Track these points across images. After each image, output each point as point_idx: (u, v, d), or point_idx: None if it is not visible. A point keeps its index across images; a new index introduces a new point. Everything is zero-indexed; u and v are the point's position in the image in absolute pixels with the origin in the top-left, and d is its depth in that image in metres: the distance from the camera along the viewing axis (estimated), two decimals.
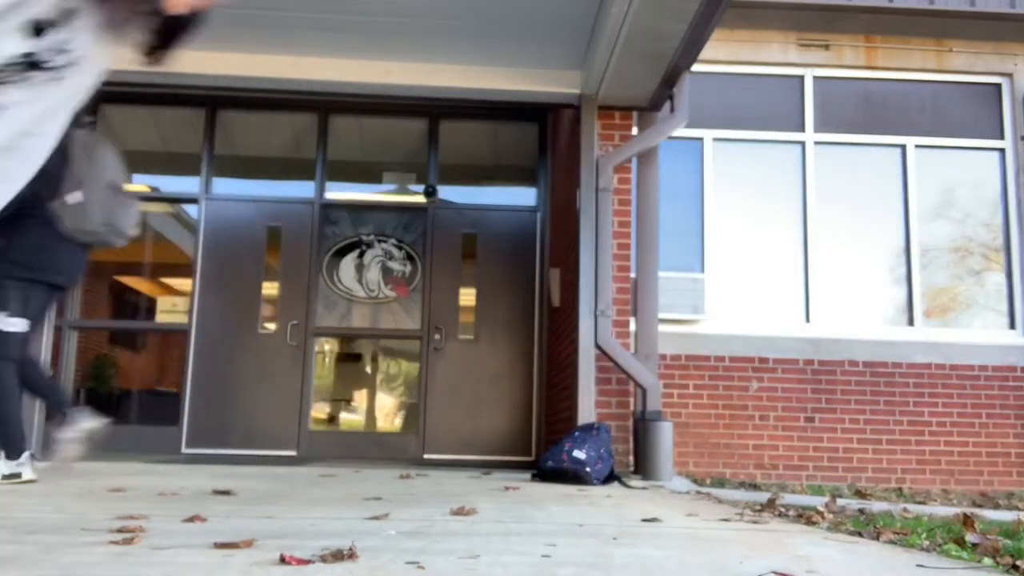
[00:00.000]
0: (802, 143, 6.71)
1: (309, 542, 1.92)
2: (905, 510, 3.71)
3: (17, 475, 3.50)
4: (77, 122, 2.84)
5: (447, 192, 7.13)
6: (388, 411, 7.43)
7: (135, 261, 7.52)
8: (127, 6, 1.93)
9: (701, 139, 6.62)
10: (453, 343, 6.84)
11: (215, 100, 6.89)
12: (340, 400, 7.34)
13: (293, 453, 6.57)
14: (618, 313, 5.41)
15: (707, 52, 5.11)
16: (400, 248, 7.04)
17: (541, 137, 7.17)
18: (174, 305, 7.12)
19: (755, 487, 5.41)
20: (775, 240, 6.59)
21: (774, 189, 6.65)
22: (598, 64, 5.14)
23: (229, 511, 2.62)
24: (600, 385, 5.28)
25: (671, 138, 5.74)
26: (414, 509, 2.82)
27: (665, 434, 5.02)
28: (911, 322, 6.55)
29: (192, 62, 5.58)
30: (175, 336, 7.04)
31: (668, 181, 6.22)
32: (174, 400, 6.69)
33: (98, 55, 1.92)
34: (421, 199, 7.09)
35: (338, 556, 1.70)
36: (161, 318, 7.17)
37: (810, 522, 2.94)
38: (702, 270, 6.46)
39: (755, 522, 2.74)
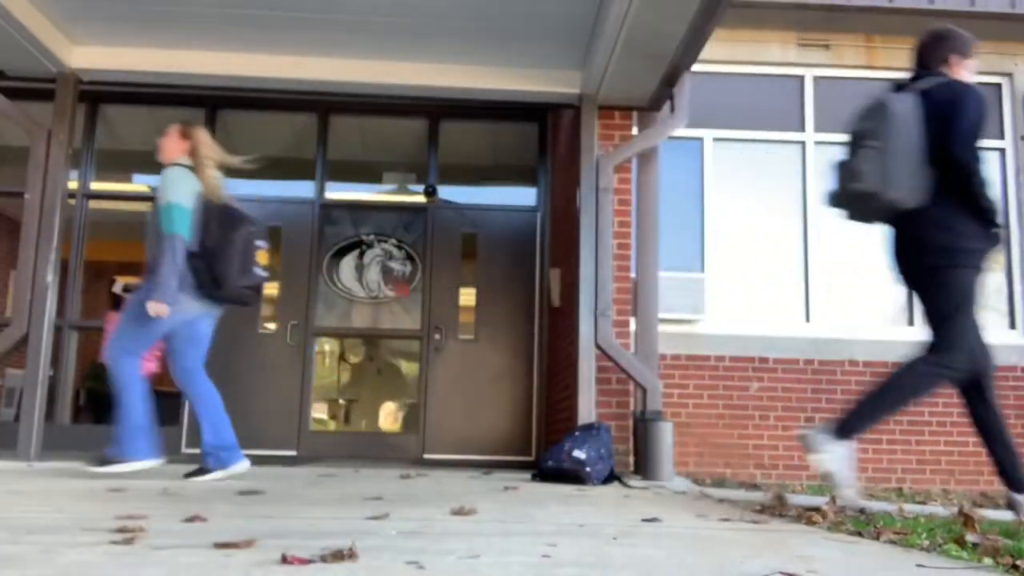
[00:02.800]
0: (802, 143, 6.71)
1: (309, 542, 1.92)
2: (902, 509, 3.71)
3: None
4: None
5: (447, 192, 7.13)
6: (388, 411, 7.43)
7: (135, 261, 7.52)
8: None
9: (701, 139, 6.62)
10: (453, 343, 6.83)
11: (215, 100, 6.88)
12: (340, 400, 7.34)
13: (293, 453, 6.57)
14: (618, 313, 5.41)
15: (707, 52, 5.10)
16: (400, 248, 7.04)
17: (541, 137, 7.17)
18: None
19: (755, 487, 5.41)
20: (775, 240, 6.58)
21: (774, 189, 6.65)
22: (598, 64, 5.14)
23: (229, 511, 2.62)
24: (600, 385, 5.28)
25: (671, 138, 5.73)
26: (414, 509, 2.82)
27: (665, 434, 5.02)
28: (911, 322, 6.54)
29: (192, 62, 5.60)
30: None
31: (668, 181, 6.22)
32: (174, 400, 6.67)
33: None
34: (421, 199, 7.09)
35: (338, 556, 1.70)
36: None
37: (810, 522, 2.94)
38: (702, 270, 6.46)
39: (755, 522, 2.74)
